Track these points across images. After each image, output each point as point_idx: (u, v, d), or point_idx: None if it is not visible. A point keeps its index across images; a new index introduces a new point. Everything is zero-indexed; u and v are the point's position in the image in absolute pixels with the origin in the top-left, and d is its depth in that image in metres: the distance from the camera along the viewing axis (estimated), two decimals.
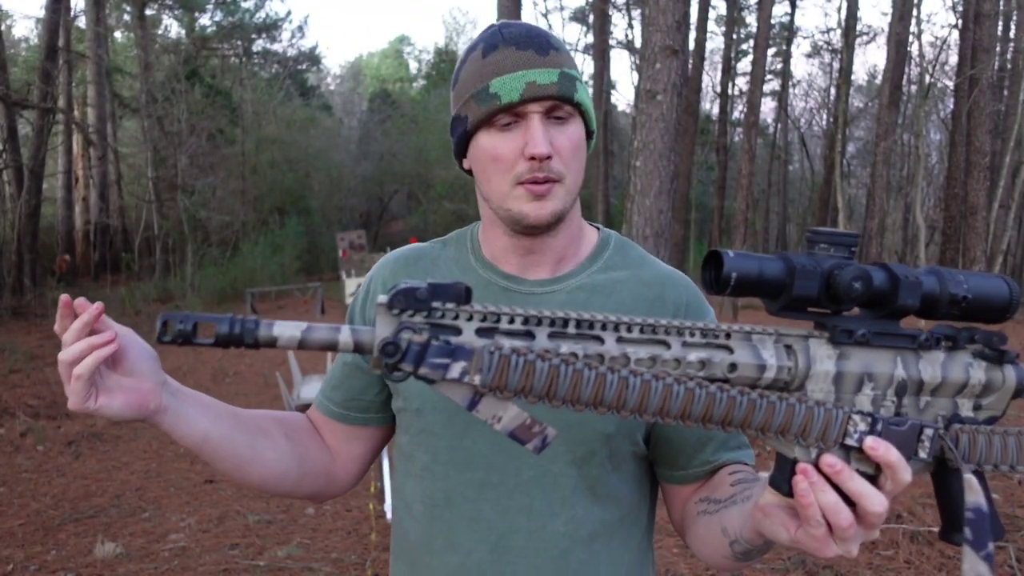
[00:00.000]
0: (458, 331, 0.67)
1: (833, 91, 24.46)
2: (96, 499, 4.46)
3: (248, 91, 21.96)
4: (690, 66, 16.10)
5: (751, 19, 24.59)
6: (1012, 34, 17.25)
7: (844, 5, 17.96)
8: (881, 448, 0.68)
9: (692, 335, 0.70)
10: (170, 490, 4.62)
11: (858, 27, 17.90)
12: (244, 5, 24.90)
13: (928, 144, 21.30)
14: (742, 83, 27.33)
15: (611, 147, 20.23)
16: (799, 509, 0.69)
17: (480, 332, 0.67)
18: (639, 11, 21.79)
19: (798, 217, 28.07)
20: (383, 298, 0.66)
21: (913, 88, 20.11)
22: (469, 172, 1.02)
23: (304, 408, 3.06)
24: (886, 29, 13.79)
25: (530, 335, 0.68)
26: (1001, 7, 14.35)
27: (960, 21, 14.33)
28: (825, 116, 28.42)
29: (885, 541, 3.72)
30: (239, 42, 24.98)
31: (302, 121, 23.93)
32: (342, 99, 38.50)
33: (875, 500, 0.67)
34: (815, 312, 0.73)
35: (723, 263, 0.68)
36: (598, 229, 1.10)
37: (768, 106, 28.10)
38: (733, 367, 0.70)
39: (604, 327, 0.69)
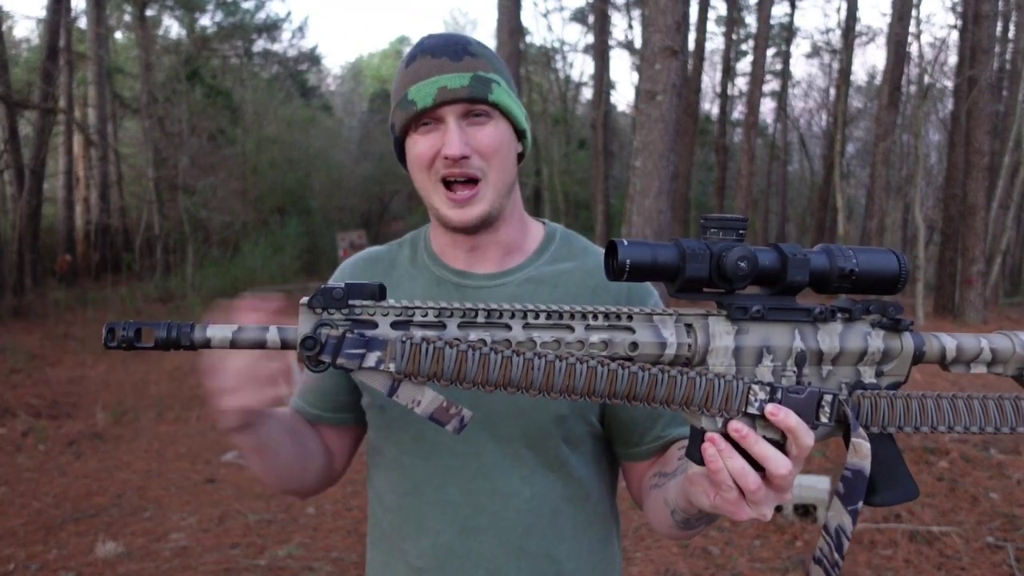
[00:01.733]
0: (375, 325, 0.73)
1: (833, 91, 24.45)
2: (97, 498, 4.47)
3: (249, 91, 21.94)
4: (690, 66, 16.09)
5: (751, 19, 24.59)
6: (1011, 34, 17.25)
7: (844, 5, 17.98)
8: (781, 414, 0.73)
9: (595, 319, 0.75)
10: (171, 489, 4.63)
11: (858, 27, 17.93)
12: (244, 5, 24.88)
13: (927, 144, 21.30)
14: (742, 83, 27.32)
15: (611, 147, 20.22)
16: (710, 475, 0.74)
17: (395, 325, 0.73)
18: (639, 11, 21.80)
19: (797, 217, 28.05)
20: (305, 299, 0.72)
21: (912, 88, 20.09)
22: None
23: None
24: (886, 29, 13.81)
25: (442, 325, 0.74)
26: (1000, 7, 14.36)
27: (959, 22, 14.33)
28: (825, 116, 28.40)
29: (884, 541, 3.73)
30: (239, 42, 24.97)
31: (302, 121, 23.92)
32: (342, 99, 38.48)
33: (780, 463, 0.72)
34: (712, 292, 0.77)
35: (618, 252, 0.73)
36: (544, 224, 1.15)
37: (768, 106, 28.08)
38: (634, 346, 0.75)
39: (512, 315, 0.74)
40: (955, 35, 16.30)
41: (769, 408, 0.73)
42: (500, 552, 1.03)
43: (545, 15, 40.77)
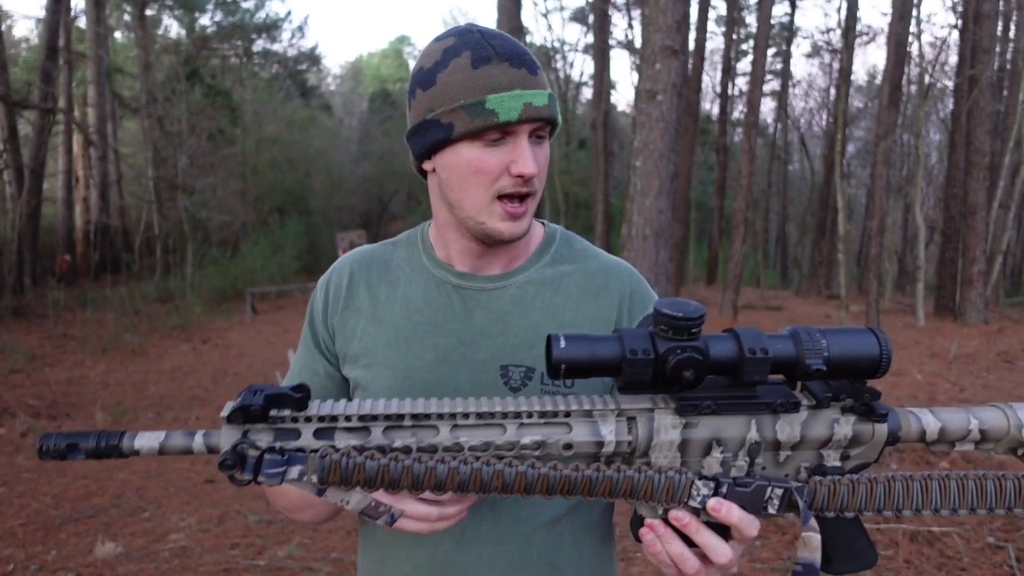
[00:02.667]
0: (298, 434, 0.73)
1: (833, 91, 24.46)
2: (96, 499, 4.46)
3: (248, 91, 21.95)
4: (690, 66, 16.09)
5: (751, 19, 24.60)
6: (1012, 34, 17.24)
7: (844, 5, 17.98)
8: (723, 509, 0.73)
9: (529, 416, 0.74)
10: (170, 490, 4.62)
11: (858, 27, 17.91)
12: (244, 5, 24.88)
13: (928, 144, 21.30)
14: (742, 83, 27.33)
15: (611, 147, 20.22)
16: (648, 556, 0.76)
17: (318, 432, 0.73)
18: (639, 11, 21.77)
19: (798, 217, 28.05)
20: (226, 411, 0.72)
21: (913, 88, 20.09)
22: (424, 174, 1.04)
23: None
24: (886, 29, 13.79)
25: (367, 431, 0.73)
26: (1001, 7, 14.34)
27: (960, 21, 14.32)
28: (825, 116, 28.41)
29: (885, 541, 3.72)
30: (239, 42, 24.96)
31: (302, 121, 23.92)
32: (342, 99, 38.49)
33: (719, 553, 0.74)
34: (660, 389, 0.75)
35: (552, 351, 0.71)
36: (543, 224, 1.14)
37: (768, 106, 28.10)
38: (568, 446, 0.73)
39: (440, 417, 0.73)
40: (956, 35, 16.28)
41: (711, 503, 0.73)
42: (500, 562, 1.01)
43: (545, 15, 40.76)
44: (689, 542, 0.76)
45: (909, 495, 0.73)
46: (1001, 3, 14.10)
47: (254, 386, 0.74)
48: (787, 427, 0.75)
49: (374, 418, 0.73)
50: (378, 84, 39.45)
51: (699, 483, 0.73)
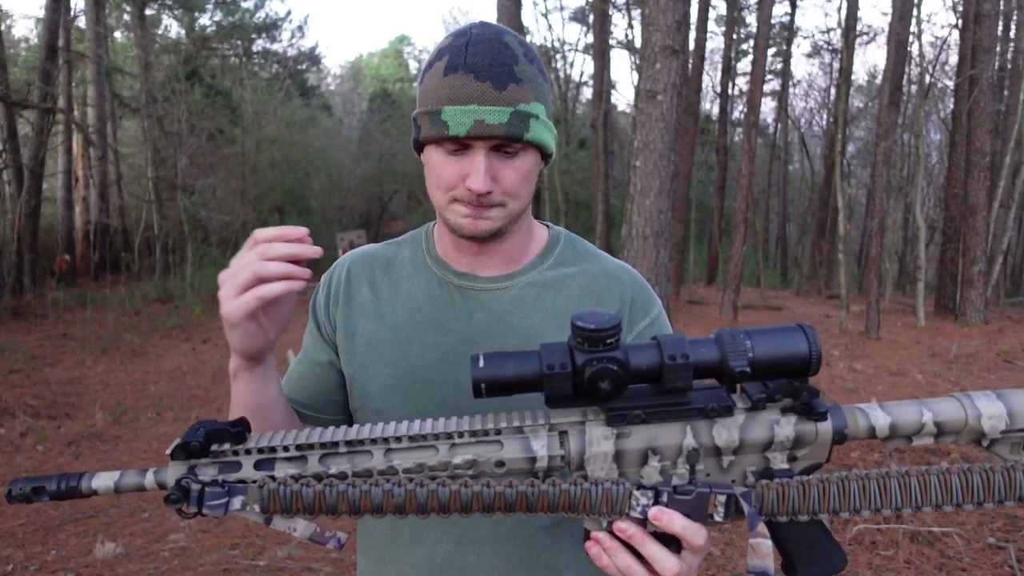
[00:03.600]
0: (239, 466, 0.76)
1: (833, 91, 24.45)
2: (96, 499, 4.46)
3: (248, 91, 21.94)
4: (690, 66, 16.08)
5: (751, 19, 24.60)
6: (1012, 34, 17.23)
7: (844, 5, 17.96)
8: (665, 518, 0.72)
9: (460, 436, 0.75)
10: None
11: (858, 27, 17.88)
12: (244, 5, 24.88)
13: (928, 144, 21.29)
14: (742, 83, 27.33)
15: (611, 147, 20.21)
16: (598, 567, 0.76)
17: (258, 464, 0.76)
18: (639, 11, 21.76)
19: (798, 217, 28.05)
20: (170, 449, 0.75)
21: (913, 88, 20.08)
22: None
23: None
24: (886, 29, 13.77)
25: (304, 459, 0.76)
26: (1001, 7, 14.34)
27: (960, 21, 14.31)
28: (825, 116, 28.40)
29: (885, 541, 3.71)
30: (239, 42, 24.95)
31: (302, 121, 23.92)
32: (342, 99, 38.50)
33: (666, 564, 0.73)
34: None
35: (472, 373, 0.72)
36: (548, 227, 1.13)
37: (768, 106, 28.09)
38: (500, 464, 0.74)
39: (373, 441, 0.75)
40: (956, 34, 16.27)
41: (652, 513, 0.72)
42: (499, 564, 1.01)
43: (545, 15, 40.80)
44: (638, 554, 0.75)
45: (866, 495, 0.70)
46: (1001, 3, 14.10)
47: (199, 423, 0.77)
48: (724, 432, 0.74)
49: (310, 447, 0.75)
50: (378, 84, 39.45)
51: (637, 493, 0.73)
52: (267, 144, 21.42)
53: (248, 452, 0.76)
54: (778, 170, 27.49)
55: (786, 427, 0.74)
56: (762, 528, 0.72)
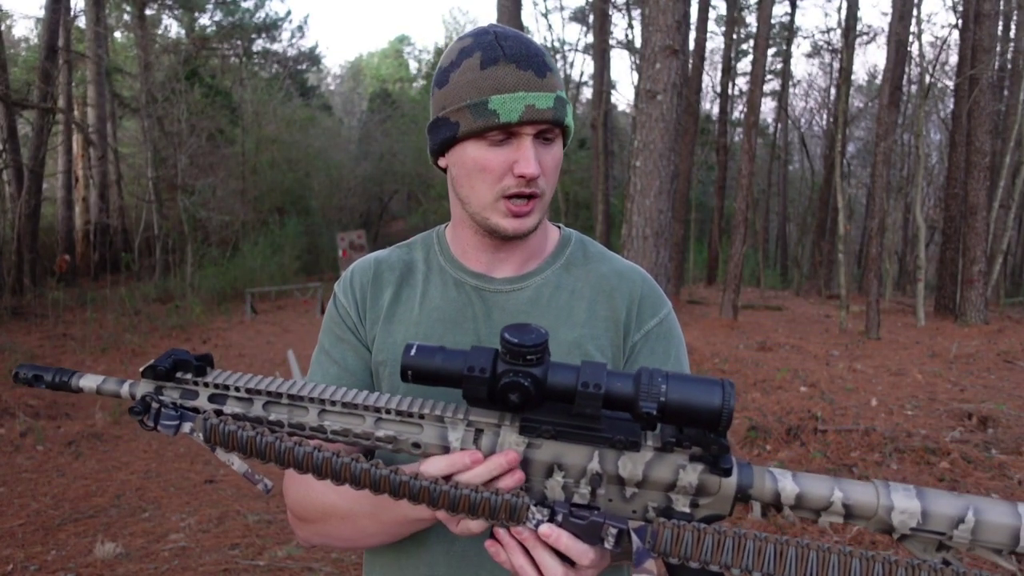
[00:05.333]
0: (196, 395, 0.84)
1: (833, 91, 24.46)
2: (96, 499, 4.45)
3: (248, 91, 21.94)
4: (690, 66, 16.09)
5: (751, 19, 24.61)
6: (1012, 34, 17.24)
7: (844, 5, 17.97)
8: (552, 536, 0.75)
9: (388, 413, 0.81)
10: (170, 490, 4.62)
11: (858, 27, 17.89)
12: (244, 5, 24.89)
13: (928, 144, 21.29)
14: (742, 83, 27.35)
15: (611, 147, 20.21)
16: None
17: (212, 397, 0.84)
18: (639, 11, 21.76)
19: (798, 217, 28.06)
20: (143, 368, 0.84)
21: (913, 88, 20.09)
22: (444, 169, 1.06)
23: None
24: (886, 29, 13.78)
25: (250, 401, 0.83)
26: (1001, 7, 14.34)
27: (960, 21, 14.32)
28: (825, 116, 28.41)
29: (886, 541, 3.71)
30: (239, 42, 24.96)
31: (302, 121, 23.92)
32: (342, 99, 38.52)
33: (552, 571, 0.76)
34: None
35: (401, 358, 0.78)
36: (559, 227, 1.15)
37: (768, 106, 28.11)
38: (417, 445, 0.80)
39: (312, 400, 0.82)
40: (956, 34, 16.28)
41: (542, 529, 0.75)
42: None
43: (545, 15, 40.79)
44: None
45: (761, 556, 0.69)
46: (1001, 3, 14.10)
47: (172, 350, 0.85)
48: (630, 464, 0.76)
49: (258, 392, 0.83)
50: (378, 84, 39.46)
51: (534, 508, 0.76)
52: (267, 144, 21.42)
53: (207, 385, 0.84)
54: (778, 170, 27.50)
55: (691, 474, 0.75)
56: (650, 564, 0.73)
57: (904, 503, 0.71)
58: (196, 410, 0.83)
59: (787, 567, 0.69)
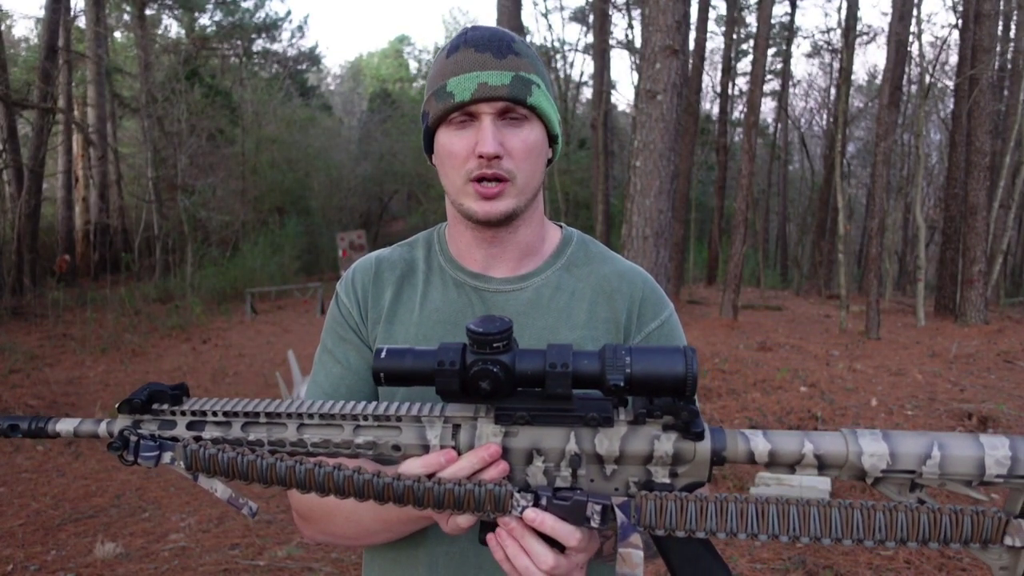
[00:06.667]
0: (174, 424, 0.84)
1: (833, 91, 24.46)
2: (96, 499, 4.45)
3: (248, 91, 21.94)
4: (690, 66, 16.08)
5: (751, 19, 24.60)
6: (1012, 34, 17.24)
7: (844, 5, 17.97)
8: (537, 519, 0.77)
9: (365, 419, 0.81)
10: (170, 490, 4.62)
11: (858, 27, 17.89)
12: (244, 5, 24.88)
13: (928, 144, 21.30)
14: (742, 83, 27.34)
15: (611, 147, 20.21)
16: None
17: (191, 424, 0.84)
18: (639, 11, 21.76)
19: (798, 217, 28.06)
20: (118, 404, 0.84)
21: (913, 88, 20.10)
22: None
23: None
24: (886, 29, 13.78)
25: (228, 424, 0.83)
26: (1001, 7, 14.33)
27: (960, 21, 14.32)
28: (825, 116, 28.41)
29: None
30: (239, 42, 24.97)
31: (302, 121, 23.91)
32: (342, 99, 38.51)
33: (541, 557, 0.78)
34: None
35: (372, 363, 0.79)
36: (560, 227, 1.14)
37: (768, 106, 28.10)
38: (397, 448, 0.81)
39: (289, 416, 0.82)
40: (956, 34, 16.28)
41: (527, 514, 0.77)
42: None
43: (545, 15, 40.80)
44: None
45: (744, 518, 0.72)
46: (1001, 3, 14.10)
47: (147, 384, 0.85)
48: (606, 441, 0.77)
49: (235, 414, 0.83)
50: (378, 84, 39.45)
51: (518, 496, 0.77)
52: (267, 144, 21.41)
53: (183, 413, 0.84)
54: (778, 170, 27.50)
55: (666, 443, 0.77)
56: (635, 539, 0.75)
57: (872, 446, 0.73)
58: (175, 439, 0.83)
59: (769, 524, 0.72)
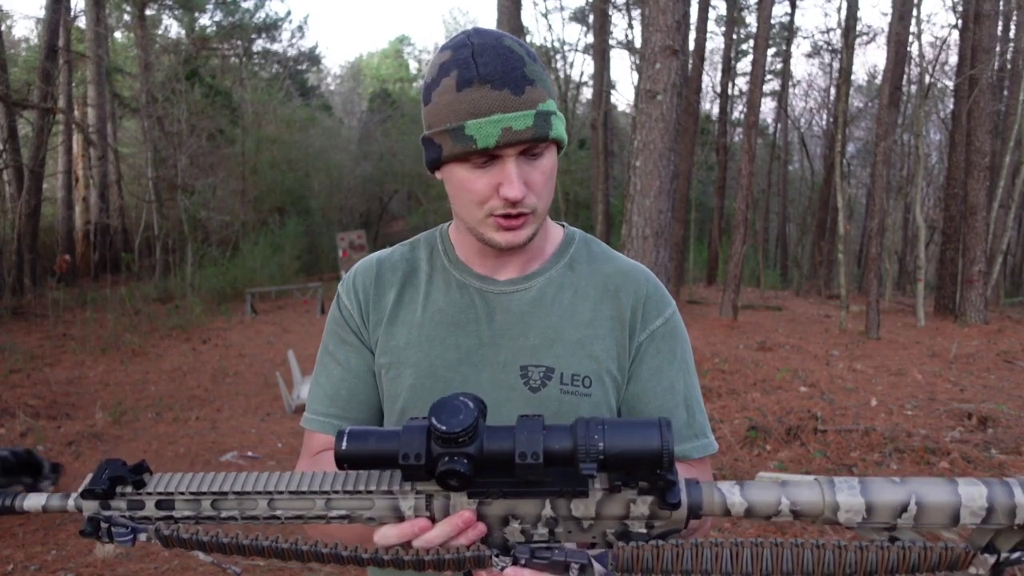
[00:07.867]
0: (143, 504, 0.83)
1: (833, 91, 24.45)
2: None
3: (248, 91, 21.95)
4: (690, 66, 16.08)
5: (751, 19, 24.60)
6: (1012, 34, 17.24)
7: (844, 5, 17.97)
8: None
9: (336, 494, 0.81)
10: None
11: (858, 27, 17.91)
12: (244, 5, 24.90)
13: (928, 144, 21.29)
14: (742, 83, 27.34)
15: (611, 147, 20.21)
16: None
17: (159, 504, 0.83)
18: (639, 11, 21.76)
19: (798, 217, 28.05)
20: (85, 484, 0.82)
21: (913, 88, 20.09)
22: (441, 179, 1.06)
23: (304, 407, 3.03)
24: (886, 29, 13.79)
25: (197, 503, 0.82)
26: (1001, 7, 14.34)
27: (960, 21, 14.32)
28: (825, 116, 28.41)
29: None
30: (239, 42, 24.97)
31: (302, 121, 23.91)
32: (342, 99, 38.51)
33: None
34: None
35: (335, 451, 0.78)
36: (563, 227, 1.14)
37: (768, 106, 28.11)
38: (372, 519, 0.81)
39: (259, 493, 0.81)
40: (956, 34, 16.29)
41: (507, 572, 0.78)
42: None
43: (545, 15, 40.82)
44: None
45: (718, 561, 0.74)
46: (1001, 3, 14.10)
47: (105, 463, 0.83)
48: (582, 506, 0.78)
49: (203, 493, 0.82)
50: (378, 84, 39.45)
51: (496, 560, 0.78)
52: (267, 144, 21.41)
53: (150, 495, 0.82)
54: (778, 170, 27.49)
55: (642, 506, 0.78)
56: None
57: (848, 500, 0.74)
58: (147, 518, 0.82)
59: (742, 566, 0.73)
